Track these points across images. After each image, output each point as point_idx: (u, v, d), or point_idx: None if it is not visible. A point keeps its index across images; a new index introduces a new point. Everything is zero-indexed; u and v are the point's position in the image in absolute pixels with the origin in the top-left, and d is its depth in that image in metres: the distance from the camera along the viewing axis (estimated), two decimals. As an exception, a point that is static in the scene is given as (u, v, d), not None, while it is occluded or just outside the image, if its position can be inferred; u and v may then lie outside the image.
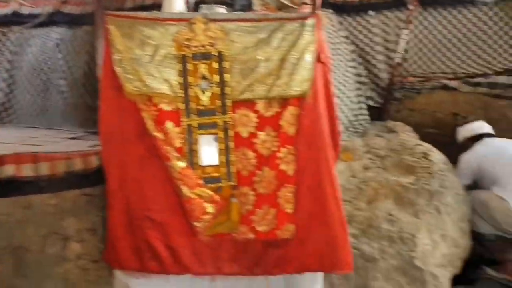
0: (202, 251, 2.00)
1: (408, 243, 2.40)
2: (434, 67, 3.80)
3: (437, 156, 2.86)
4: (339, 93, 3.17)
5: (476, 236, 2.89)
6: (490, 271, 2.90)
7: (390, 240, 2.40)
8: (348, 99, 3.31)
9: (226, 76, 1.95)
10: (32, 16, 3.56)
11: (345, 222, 2.03)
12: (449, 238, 2.55)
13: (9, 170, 2.14)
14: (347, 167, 2.86)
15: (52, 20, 3.54)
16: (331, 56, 3.19)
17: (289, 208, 1.98)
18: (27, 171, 2.16)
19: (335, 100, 2.49)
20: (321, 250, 1.97)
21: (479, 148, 3.12)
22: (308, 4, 2.55)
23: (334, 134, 2.10)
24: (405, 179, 2.68)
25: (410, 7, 3.55)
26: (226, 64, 1.95)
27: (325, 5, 3.66)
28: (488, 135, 3.21)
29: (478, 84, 3.56)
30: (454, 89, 3.56)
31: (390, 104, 3.76)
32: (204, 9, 2.15)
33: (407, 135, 3.20)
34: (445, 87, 3.57)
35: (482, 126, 3.28)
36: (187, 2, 2.36)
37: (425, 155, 2.84)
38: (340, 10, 3.76)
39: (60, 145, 2.70)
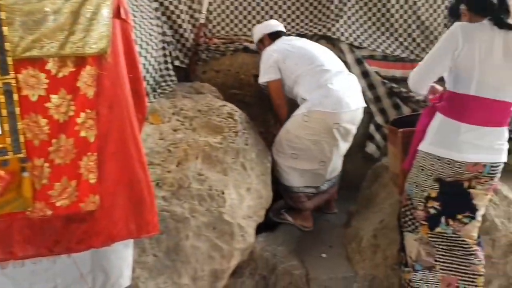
0: (-12, 235, 1.72)
1: (217, 200, 2.49)
2: (237, 29, 3.95)
3: (240, 116, 3.01)
4: (144, 53, 3.05)
5: (285, 188, 3.20)
6: (287, 217, 3.26)
7: (200, 198, 2.46)
8: (153, 59, 3.20)
9: (4, 30, 1.64)
10: None
11: (151, 185, 1.99)
12: (253, 190, 2.75)
13: None
14: (155, 129, 2.81)
15: None
16: (133, 13, 3.02)
17: (92, 178, 1.82)
18: None
19: (140, 60, 2.38)
20: (127, 216, 1.89)
21: (281, 43, 3.28)
22: (104, -47, 2.32)
23: (139, 95, 2.00)
24: (213, 139, 2.76)
25: (213, -33, 3.57)
26: (2, 15, 1.63)
27: (125, -43, 3.42)
28: (284, 33, 3.43)
29: (275, 47, 3.83)
30: (255, 51, 3.76)
31: (196, 65, 3.80)
32: None
33: (214, 96, 3.28)
34: (247, 49, 3.75)
35: (278, 24, 3.48)
36: None
37: (230, 115, 2.96)
38: (141, -36, 3.57)
39: None
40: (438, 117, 2.21)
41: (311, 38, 3.84)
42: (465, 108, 2.14)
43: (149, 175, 1.97)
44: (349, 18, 3.89)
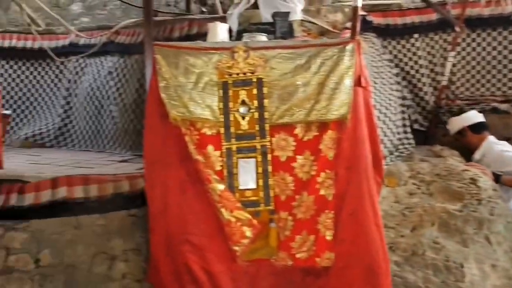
0: (240, 278, 2.00)
1: (455, 273, 2.29)
2: (483, 90, 3.68)
3: (486, 182, 2.74)
4: (383, 117, 3.13)
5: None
6: None
7: (435, 268, 2.31)
8: (392, 123, 3.26)
9: (265, 102, 2.00)
10: (87, 46, 3.80)
11: (386, 250, 1.99)
12: (500, 268, 2.42)
13: (62, 192, 2.27)
14: (391, 192, 2.80)
15: (105, 49, 3.75)
16: (374, 79, 3.18)
17: (328, 235, 1.96)
18: (78, 192, 2.27)
19: (378, 124, 2.47)
20: (361, 279, 1.93)
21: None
22: (349, 29, 2.57)
23: (377, 158, 2.08)
24: (452, 206, 2.59)
25: (457, 29, 3.48)
26: (265, 90, 2.00)
27: (368, 29, 3.67)
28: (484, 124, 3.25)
29: (530, 107, 3.42)
30: (506, 112, 3.41)
31: (436, 127, 3.67)
32: (246, 37, 2.21)
33: (454, 160, 3.10)
34: (495, 110, 3.44)
35: (478, 114, 3.26)
36: (230, 31, 2.44)
37: (473, 181, 2.73)
38: (383, 33, 3.75)
39: (110, 167, 2.83)
40: None
41: None
42: None
43: (384, 238, 1.98)
44: None
